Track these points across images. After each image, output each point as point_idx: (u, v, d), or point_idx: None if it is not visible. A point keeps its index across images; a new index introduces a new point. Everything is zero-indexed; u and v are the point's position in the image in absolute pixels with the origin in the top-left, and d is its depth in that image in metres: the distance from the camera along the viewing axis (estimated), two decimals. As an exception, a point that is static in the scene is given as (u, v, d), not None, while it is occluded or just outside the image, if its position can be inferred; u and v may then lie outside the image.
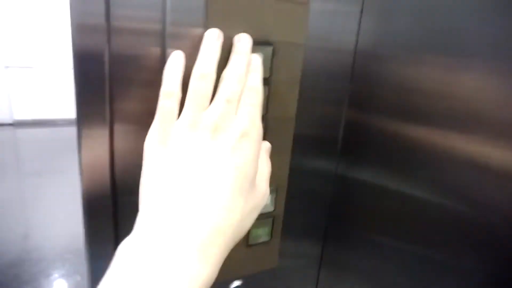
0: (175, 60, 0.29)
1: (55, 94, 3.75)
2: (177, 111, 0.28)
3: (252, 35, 0.30)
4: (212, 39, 0.29)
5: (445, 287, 0.34)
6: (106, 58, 0.28)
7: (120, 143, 0.30)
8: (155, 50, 0.29)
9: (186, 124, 0.27)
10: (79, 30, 0.27)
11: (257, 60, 0.30)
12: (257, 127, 0.29)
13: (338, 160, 0.43)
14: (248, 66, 0.29)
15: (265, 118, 0.33)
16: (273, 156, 0.35)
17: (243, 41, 0.30)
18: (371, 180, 0.41)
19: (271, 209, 0.37)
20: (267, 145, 0.33)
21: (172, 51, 0.29)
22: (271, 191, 0.36)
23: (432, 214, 0.34)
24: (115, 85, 0.29)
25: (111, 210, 0.32)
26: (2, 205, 2.33)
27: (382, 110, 0.38)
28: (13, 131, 3.90)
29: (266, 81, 0.32)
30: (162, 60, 0.29)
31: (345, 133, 0.42)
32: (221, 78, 0.29)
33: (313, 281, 0.48)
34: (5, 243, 1.89)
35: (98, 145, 0.30)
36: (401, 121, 0.37)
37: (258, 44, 0.30)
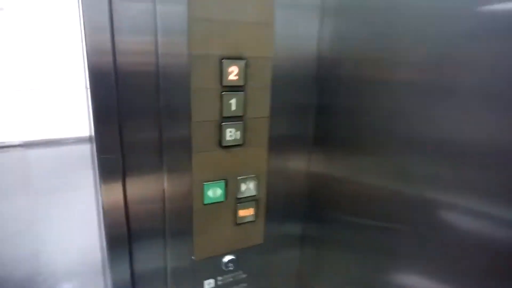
0: None
1: (62, 113, 3.85)
2: None
3: (228, 52, 0.38)
4: None
5: (405, 250, 0.41)
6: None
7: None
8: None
9: None
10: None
11: None
12: None
13: (310, 155, 0.51)
14: None
15: (243, 119, 0.41)
16: (252, 149, 0.43)
17: None
18: (340, 172, 0.49)
19: (254, 193, 0.44)
20: None
21: None
22: (253, 179, 0.44)
23: (394, 197, 0.42)
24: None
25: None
26: (14, 224, 2.40)
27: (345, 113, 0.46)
28: (23, 152, 4.00)
29: (242, 88, 0.40)
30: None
31: (315, 133, 0.50)
32: None
33: (297, 256, 0.55)
34: (16, 260, 1.96)
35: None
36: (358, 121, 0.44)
37: (233, 59, 0.38)
